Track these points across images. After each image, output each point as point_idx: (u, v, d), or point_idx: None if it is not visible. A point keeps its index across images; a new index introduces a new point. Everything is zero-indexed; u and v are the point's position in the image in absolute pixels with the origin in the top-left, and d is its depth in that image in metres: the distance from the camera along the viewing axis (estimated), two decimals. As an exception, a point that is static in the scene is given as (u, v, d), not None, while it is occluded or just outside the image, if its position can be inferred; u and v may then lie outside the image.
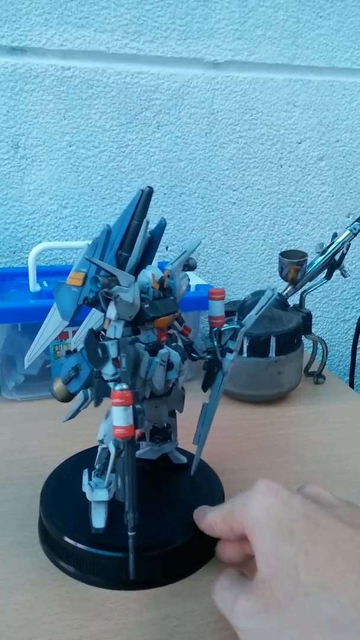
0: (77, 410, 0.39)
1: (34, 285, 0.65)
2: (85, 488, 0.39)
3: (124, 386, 0.33)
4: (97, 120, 0.75)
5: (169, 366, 0.38)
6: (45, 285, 0.67)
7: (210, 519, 0.36)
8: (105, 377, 0.36)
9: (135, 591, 0.37)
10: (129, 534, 0.34)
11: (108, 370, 0.36)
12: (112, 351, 0.35)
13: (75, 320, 0.39)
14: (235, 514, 0.33)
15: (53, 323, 0.40)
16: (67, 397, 0.39)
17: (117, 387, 0.33)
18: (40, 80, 0.71)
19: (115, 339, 0.36)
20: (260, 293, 0.41)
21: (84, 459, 0.41)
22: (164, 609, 0.36)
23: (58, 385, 0.39)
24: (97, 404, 0.38)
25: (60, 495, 0.42)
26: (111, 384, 0.35)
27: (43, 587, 0.37)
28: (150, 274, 0.37)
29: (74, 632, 0.34)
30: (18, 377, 0.64)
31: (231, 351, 0.41)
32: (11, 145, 0.73)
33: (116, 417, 0.33)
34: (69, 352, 0.39)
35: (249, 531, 0.31)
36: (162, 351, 0.37)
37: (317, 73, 0.80)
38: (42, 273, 0.68)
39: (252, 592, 0.29)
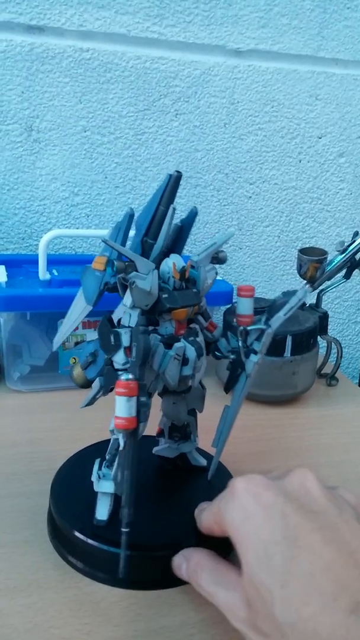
0: (94, 398, 0.37)
1: (43, 274, 0.63)
2: (94, 477, 0.38)
3: (130, 376, 0.32)
4: (114, 106, 0.72)
5: (184, 361, 0.36)
6: (55, 273, 0.65)
7: (207, 522, 0.35)
8: (116, 366, 0.35)
9: (147, 595, 0.35)
10: (123, 530, 0.32)
11: (119, 359, 0.35)
12: (125, 339, 0.35)
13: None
14: (220, 519, 0.32)
15: (79, 307, 0.38)
16: (86, 383, 0.38)
17: (123, 377, 0.32)
18: (57, 61, 0.69)
19: (129, 327, 0.35)
20: (292, 293, 0.39)
21: (98, 451, 0.40)
22: (178, 616, 0.34)
23: (77, 370, 0.38)
24: (106, 392, 0.36)
25: (72, 488, 0.41)
26: (120, 373, 0.34)
27: (51, 589, 0.35)
28: (171, 262, 0.35)
29: (83, 637, 0.32)
30: (24, 367, 0.63)
31: (256, 353, 0.38)
32: (24, 127, 0.71)
33: (119, 407, 0.32)
34: (77, 344, 0.38)
35: (233, 541, 0.30)
36: (177, 345, 0.36)
37: (341, 66, 0.78)
38: (51, 261, 0.66)
39: (239, 606, 0.29)
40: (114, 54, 0.70)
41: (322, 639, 0.25)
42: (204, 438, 0.43)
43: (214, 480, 0.43)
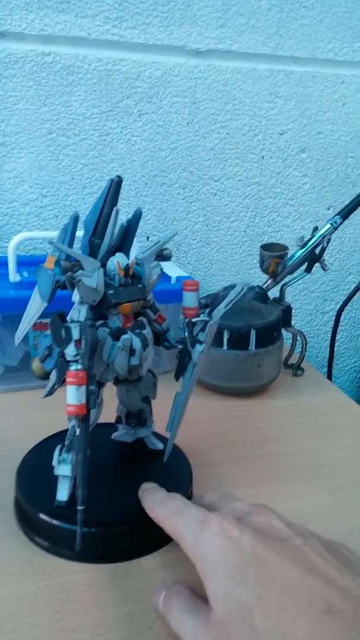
0: (52, 388, 0.40)
1: (13, 276, 0.64)
2: (54, 462, 0.41)
3: (79, 367, 0.35)
4: (78, 108, 0.73)
5: (132, 352, 0.39)
6: (26, 275, 0.66)
7: (160, 516, 0.36)
8: (68, 358, 0.38)
9: (115, 584, 0.37)
10: (78, 507, 0.36)
11: (70, 351, 0.37)
12: (75, 333, 0.37)
13: (50, 312, 0.40)
14: (186, 545, 0.33)
15: (35, 304, 0.42)
16: (44, 375, 0.41)
17: (72, 367, 0.35)
18: (20, 65, 0.70)
19: (78, 321, 0.37)
20: (232, 287, 0.42)
21: (61, 439, 0.42)
22: (143, 602, 0.36)
23: (36, 363, 0.41)
24: (59, 382, 0.39)
25: (36, 473, 0.44)
26: (71, 365, 0.36)
27: (23, 581, 0.37)
28: (116, 260, 0.38)
29: (54, 625, 0.34)
30: (-2, 368, 0.64)
31: (201, 342, 0.42)
32: (-10, 132, 0.71)
33: (69, 395, 0.35)
34: None
35: (200, 571, 0.31)
36: (124, 336, 0.39)
37: (299, 64, 0.80)
38: (22, 263, 0.67)
39: (209, 628, 0.29)
40: (76, 57, 0.71)
41: (299, 638, 0.26)
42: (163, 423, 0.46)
43: (169, 462, 0.46)
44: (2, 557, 0.39)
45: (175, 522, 0.34)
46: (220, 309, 0.41)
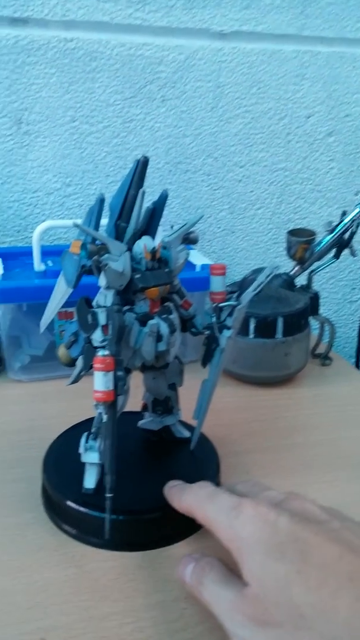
0: (79, 375, 0.40)
1: (38, 265, 0.64)
2: (81, 449, 0.40)
3: (106, 352, 0.35)
4: (101, 95, 0.73)
5: (159, 337, 0.38)
6: (50, 264, 0.66)
7: (191, 506, 0.35)
8: (94, 344, 0.37)
9: (143, 572, 0.37)
10: (107, 495, 0.35)
11: (97, 337, 0.37)
12: (102, 318, 0.36)
13: (75, 301, 0.39)
14: (219, 530, 0.32)
15: (60, 290, 0.41)
16: (70, 362, 0.40)
17: (100, 353, 0.35)
18: (42, 52, 0.69)
19: (104, 307, 0.37)
20: (260, 271, 0.41)
21: (87, 426, 0.42)
22: (172, 591, 0.36)
23: (62, 350, 0.40)
24: (86, 368, 0.38)
25: (62, 461, 0.43)
26: (99, 350, 0.36)
27: (51, 569, 0.37)
28: (142, 244, 0.37)
29: (83, 613, 0.34)
30: (24, 357, 0.64)
31: (228, 328, 0.40)
32: (14, 120, 0.71)
33: (96, 381, 0.34)
34: None
35: (236, 552, 0.30)
36: (151, 322, 0.38)
37: (326, 44, 0.78)
38: (46, 252, 0.67)
39: (245, 602, 0.29)
40: (99, 43, 0.70)
41: (342, 615, 0.26)
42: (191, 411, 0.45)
43: (196, 451, 0.45)
44: (30, 545, 0.39)
45: (207, 508, 0.34)
46: (249, 293, 0.40)
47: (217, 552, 0.33)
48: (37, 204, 0.76)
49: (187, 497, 0.36)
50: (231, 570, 0.32)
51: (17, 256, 0.70)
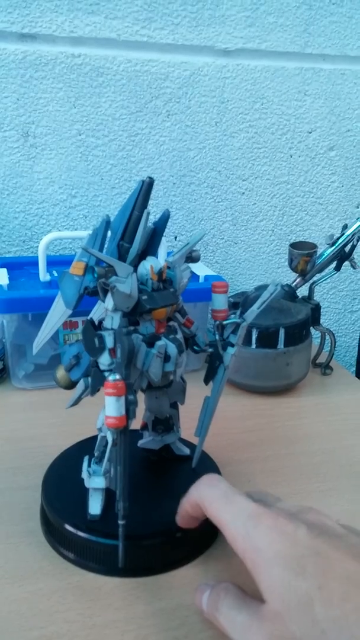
0: (79, 398, 0.39)
1: (44, 275, 0.65)
2: (84, 474, 0.40)
3: (117, 376, 0.33)
4: (107, 109, 0.74)
5: (166, 358, 0.38)
6: (55, 274, 0.67)
7: (205, 501, 0.34)
8: (102, 367, 0.37)
9: (145, 581, 0.37)
10: (119, 522, 0.34)
11: (104, 360, 0.36)
12: (109, 341, 0.36)
13: (79, 310, 0.39)
14: (234, 537, 0.31)
15: (58, 311, 0.40)
16: (70, 385, 0.40)
17: (111, 378, 0.33)
18: (50, 67, 0.71)
19: (112, 329, 0.36)
20: (264, 287, 0.41)
21: (86, 447, 0.42)
22: (174, 599, 0.36)
23: (61, 372, 0.40)
24: (93, 393, 0.38)
25: (62, 482, 0.43)
26: (107, 374, 0.35)
27: (54, 576, 0.38)
28: (149, 265, 0.37)
29: (86, 620, 0.34)
30: (28, 366, 0.65)
31: (232, 345, 0.40)
32: (21, 133, 0.73)
33: (109, 407, 0.33)
34: (78, 341, 0.39)
35: (251, 565, 0.30)
36: (159, 343, 0.37)
37: (328, 61, 0.79)
38: (52, 262, 0.68)
39: (263, 622, 0.28)
40: (105, 59, 0.72)
41: None
42: (189, 427, 0.45)
43: (198, 468, 0.44)
44: (33, 552, 0.40)
45: (222, 509, 0.33)
46: (254, 311, 0.40)
47: (219, 565, 0.33)
48: (43, 214, 0.77)
49: (199, 490, 0.35)
50: (246, 593, 0.31)
51: (23, 266, 0.72)
